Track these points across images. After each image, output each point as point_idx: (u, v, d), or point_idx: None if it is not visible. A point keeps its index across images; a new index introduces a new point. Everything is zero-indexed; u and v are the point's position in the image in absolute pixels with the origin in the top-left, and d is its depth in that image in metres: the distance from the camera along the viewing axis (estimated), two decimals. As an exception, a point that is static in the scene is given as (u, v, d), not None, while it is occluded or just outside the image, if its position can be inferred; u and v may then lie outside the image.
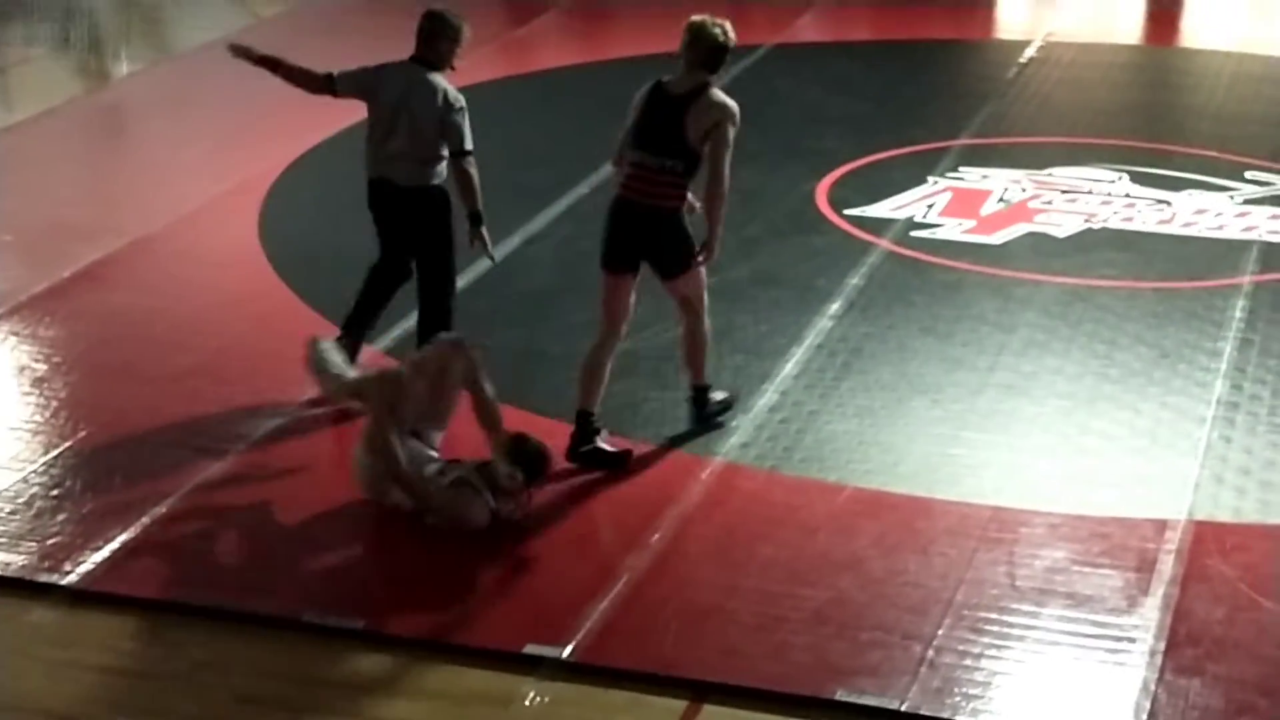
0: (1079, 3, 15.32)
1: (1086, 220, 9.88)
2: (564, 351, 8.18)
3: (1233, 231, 9.72)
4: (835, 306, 8.69)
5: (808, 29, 14.17)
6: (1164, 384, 7.89)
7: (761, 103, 11.68)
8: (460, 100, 7.49)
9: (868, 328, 8.47)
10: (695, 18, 7.06)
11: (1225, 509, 6.82)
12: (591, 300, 8.61)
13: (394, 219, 7.70)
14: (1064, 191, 10.34)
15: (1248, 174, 10.60)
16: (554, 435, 7.38)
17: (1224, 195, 10.27)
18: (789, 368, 8.06)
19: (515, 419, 7.60)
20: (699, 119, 6.93)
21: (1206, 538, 6.60)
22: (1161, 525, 6.67)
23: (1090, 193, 10.31)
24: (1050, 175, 10.58)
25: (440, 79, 7.52)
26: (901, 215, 9.93)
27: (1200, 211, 10.02)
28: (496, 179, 10.48)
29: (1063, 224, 9.83)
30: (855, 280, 8.99)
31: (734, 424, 7.49)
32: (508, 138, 11.35)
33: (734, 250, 9.46)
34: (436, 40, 7.55)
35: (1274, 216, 9.91)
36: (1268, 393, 7.78)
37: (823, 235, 9.64)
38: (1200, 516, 6.74)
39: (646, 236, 7.10)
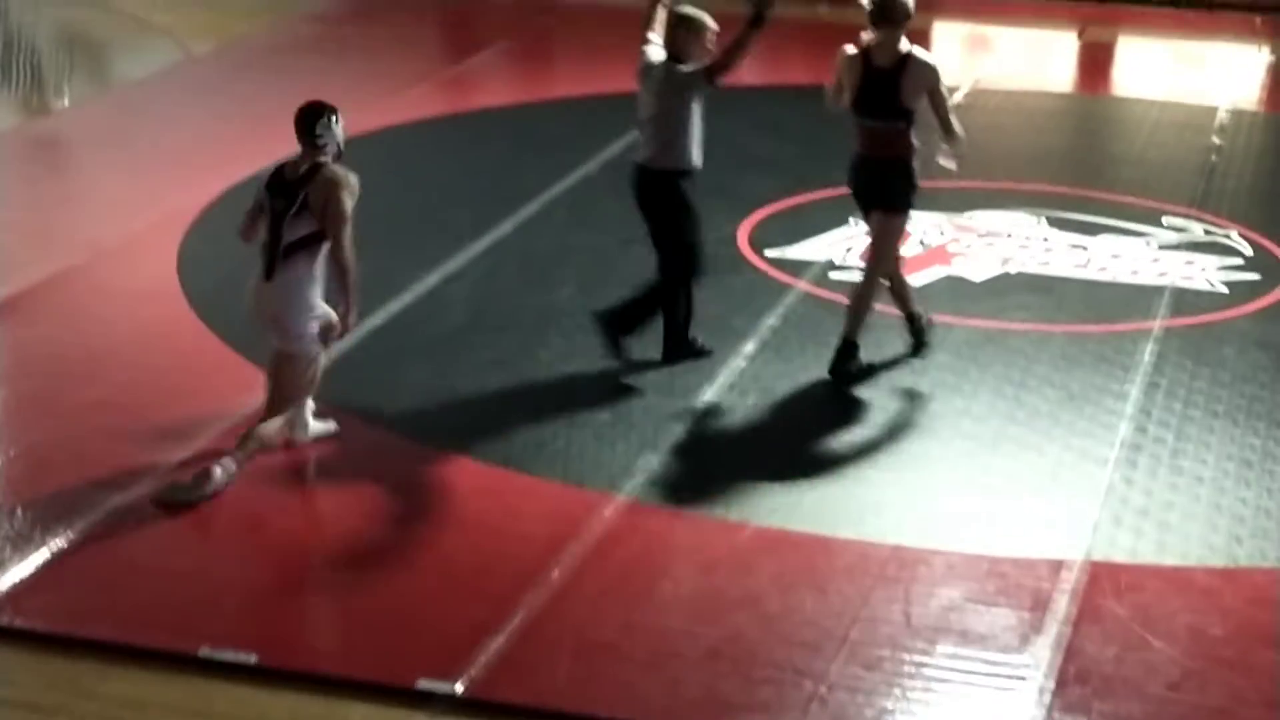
0: (1010, 51, 15.50)
1: (1003, 264, 9.98)
2: (473, 389, 8.22)
3: (1146, 276, 9.83)
4: (750, 346, 8.74)
5: (744, 73, 14.21)
6: (1069, 426, 7.97)
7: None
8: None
9: (781, 367, 8.52)
10: None
11: (1121, 550, 6.89)
12: (503, 339, 8.65)
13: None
14: (982, 235, 10.43)
15: (1165, 220, 10.73)
16: (466, 474, 7.43)
17: (1140, 240, 10.39)
18: (700, 406, 8.11)
19: (419, 456, 7.63)
20: (913, 84, 8.00)
21: (1101, 578, 6.66)
22: (1058, 565, 6.74)
23: (1008, 236, 10.42)
24: (970, 219, 10.68)
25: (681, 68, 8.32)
26: (821, 257, 10.00)
27: (1115, 256, 10.13)
28: (418, 217, 10.62)
29: (979, 267, 9.93)
30: (771, 320, 9.05)
31: (639, 462, 7.53)
32: (434, 176, 11.40)
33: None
34: (675, 34, 8.32)
35: (1188, 262, 10.03)
36: (1171, 435, 7.87)
37: (741, 275, 9.71)
38: (1097, 557, 6.81)
39: (882, 178, 8.21)
